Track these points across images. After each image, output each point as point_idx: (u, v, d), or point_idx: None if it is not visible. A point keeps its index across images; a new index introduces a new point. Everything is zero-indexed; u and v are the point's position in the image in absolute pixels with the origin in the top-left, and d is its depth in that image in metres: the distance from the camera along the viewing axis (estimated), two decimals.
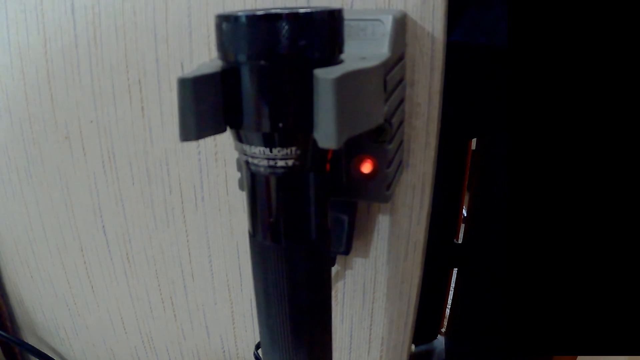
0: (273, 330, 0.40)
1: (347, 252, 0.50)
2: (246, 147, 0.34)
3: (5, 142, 0.64)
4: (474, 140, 0.98)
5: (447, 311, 1.28)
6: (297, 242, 0.37)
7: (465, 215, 1.13)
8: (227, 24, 0.31)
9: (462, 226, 1.13)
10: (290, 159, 0.33)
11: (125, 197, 0.60)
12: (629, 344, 0.46)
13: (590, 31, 0.38)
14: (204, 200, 0.56)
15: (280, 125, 0.32)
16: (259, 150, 0.33)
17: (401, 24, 0.41)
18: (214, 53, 0.49)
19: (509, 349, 0.46)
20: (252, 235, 0.38)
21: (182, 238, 0.60)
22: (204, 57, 0.49)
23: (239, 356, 0.66)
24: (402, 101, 0.44)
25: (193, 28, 0.49)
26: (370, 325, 0.56)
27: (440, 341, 1.34)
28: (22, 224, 0.70)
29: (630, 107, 0.38)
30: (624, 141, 0.40)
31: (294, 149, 0.33)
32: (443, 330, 1.33)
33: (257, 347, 0.60)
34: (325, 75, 0.28)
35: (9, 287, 0.79)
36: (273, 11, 0.30)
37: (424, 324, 1.29)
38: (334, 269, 0.54)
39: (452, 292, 1.23)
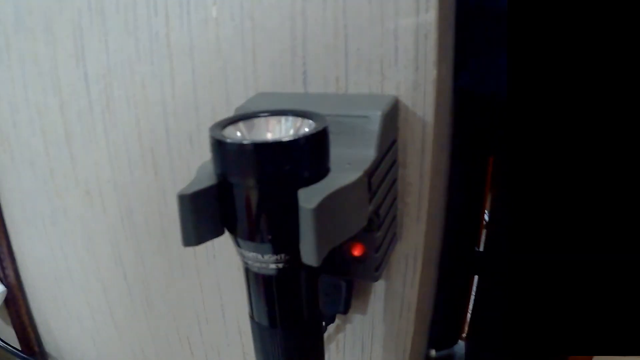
0: None
1: (345, 312, 0.54)
2: (242, 250, 0.37)
3: (30, 191, 0.69)
4: None
5: (468, 316, 1.30)
6: (291, 326, 0.40)
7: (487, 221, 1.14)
8: (218, 147, 0.34)
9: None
10: (280, 262, 0.36)
11: (144, 249, 0.64)
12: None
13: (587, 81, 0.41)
14: (216, 258, 0.60)
15: (269, 237, 0.35)
16: (252, 255, 0.37)
17: (392, 113, 0.44)
18: None
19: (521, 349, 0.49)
20: (252, 317, 0.41)
21: (196, 289, 0.64)
22: None
23: None
24: (394, 181, 0.47)
25: (199, 104, 0.52)
26: None
27: (460, 346, 1.36)
28: (48, 265, 0.74)
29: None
30: (622, 143, 0.42)
31: (283, 255, 0.36)
32: (464, 335, 1.35)
33: None
34: (305, 204, 0.31)
35: (38, 318, 0.84)
36: (259, 139, 0.33)
37: (445, 329, 1.32)
38: (333, 325, 0.57)
39: (473, 298, 1.24)
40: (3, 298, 0.82)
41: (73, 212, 0.67)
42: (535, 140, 0.44)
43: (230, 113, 0.49)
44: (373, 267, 0.44)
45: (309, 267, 0.36)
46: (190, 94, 0.52)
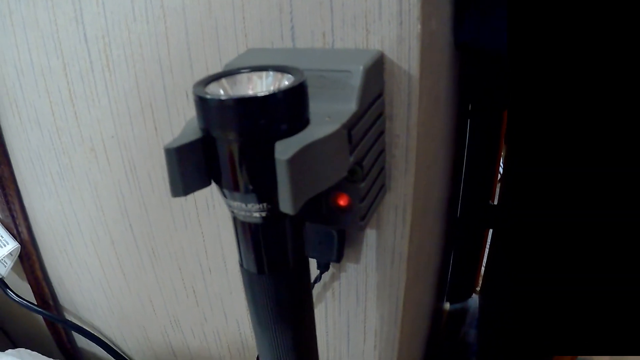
0: (265, 337, 0.45)
1: (338, 260, 0.56)
2: (228, 200, 0.39)
3: (39, 150, 0.71)
4: None
5: (482, 270, 1.31)
6: (278, 272, 0.42)
7: (501, 175, 1.15)
8: (200, 103, 0.36)
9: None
10: (264, 211, 0.38)
11: (148, 202, 0.66)
12: (629, 344, 0.50)
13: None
14: (215, 208, 0.62)
15: (251, 187, 0.37)
16: (236, 204, 0.38)
17: (376, 67, 0.45)
18: None
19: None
20: (241, 265, 0.43)
21: (198, 239, 0.66)
22: None
23: (253, 337, 0.73)
24: (381, 133, 0.48)
25: (193, 61, 0.54)
26: (364, 319, 0.61)
27: (474, 300, 1.38)
28: (58, 220, 0.77)
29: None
30: (624, 144, 0.43)
31: (265, 204, 0.38)
32: (478, 289, 1.37)
33: None
34: (280, 155, 0.32)
35: (51, 272, 0.88)
36: (238, 95, 0.34)
37: (459, 283, 1.34)
38: (328, 273, 0.59)
39: (487, 252, 1.26)
40: (17, 254, 0.85)
41: (80, 169, 0.69)
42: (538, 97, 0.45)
43: (222, 69, 0.51)
44: (358, 216, 0.46)
45: (291, 215, 0.38)
46: (185, 52, 0.54)
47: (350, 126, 0.40)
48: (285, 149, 0.33)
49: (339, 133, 0.37)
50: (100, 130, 0.64)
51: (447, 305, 1.37)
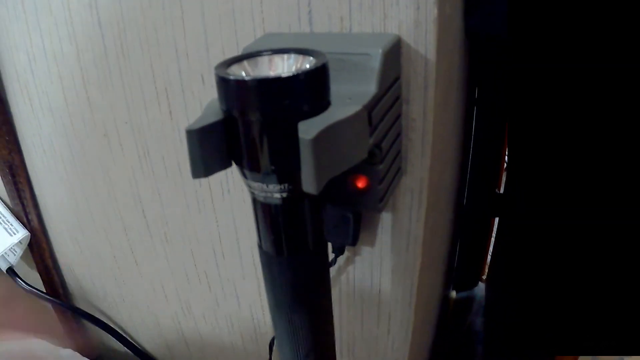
0: (281, 320, 0.46)
1: (354, 243, 0.56)
2: (248, 181, 0.39)
3: (50, 137, 0.71)
4: None
5: (488, 259, 1.32)
6: (297, 254, 0.42)
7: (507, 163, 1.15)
8: (223, 84, 0.36)
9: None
10: (284, 192, 0.39)
11: (161, 187, 0.67)
12: (630, 344, 0.50)
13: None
14: (230, 192, 0.62)
15: (273, 168, 0.37)
16: (257, 185, 0.39)
17: (394, 51, 0.45)
18: None
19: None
20: (260, 247, 0.43)
21: (212, 223, 0.66)
22: None
23: (266, 323, 0.73)
24: (398, 117, 0.48)
25: (209, 44, 0.54)
26: (379, 303, 0.62)
27: (480, 288, 1.38)
28: (70, 207, 0.78)
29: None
30: (623, 142, 0.44)
31: (286, 185, 0.38)
32: (484, 277, 1.37)
33: None
34: (304, 135, 0.32)
35: (60, 259, 0.88)
36: (260, 76, 0.34)
37: (465, 272, 1.34)
38: (343, 257, 0.59)
39: (493, 241, 1.26)
40: (27, 242, 0.85)
41: (92, 155, 0.69)
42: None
43: (239, 52, 0.51)
44: (377, 198, 0.46)
45: (312, 196, 0.38)
46: (201, 36, 0.54)
47: (370, 108, 0.40)
48: (309, 129, 0.33)
49: (360, 114, 0.38)
50: (113, 116, 0.64)
51: (453, 294, 1.38)
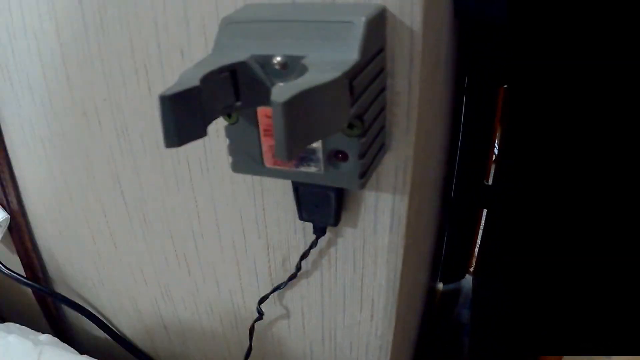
0: None
1: (335, 223, 0.55)
2: None
3: (30, 116, 0.70)
4: None
5: (476, 251, 1.31)
6: None
7: (496, 155, 1.15)
8: None
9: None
10: None
11: (140, 166, 0.65)
12: (617, 344, 0.49)
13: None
14: (209, 171, 0.61)
15: None
16: None
17: (378, 21, 0.44)
18: (210, 42, 0.52)
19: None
20: None
21: (191, 203, 0.65)
22: (201, 45, 0.53)
23: (246, 308, 0.72)
24: (382, 90, 0.47)
25: (189, 18, 0.52)
26: (361, 287, 0.61)
27: (467, 280, 1.38)
28: (49, 188, 0.76)
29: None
30: (615, 136, 0.43)
31: None
32: (471, 270, 1.37)
33: (261, 301, 0.65)
34: (276, 98, 0.31)
35: (40, 242, 0.87)
36: None
37: (453, 264, 1.34)
38: (325, 238, 0.58)
39: (481, 233, 1.26)
40: (7, 225, 0.84)
41: (71, 134, 0.68)
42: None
43: (218, 24, 0.50)
44: (357, 173, 0.45)
45: None
46: (180, 9, 0.52)
47: (352, 76, 0.39)
48: (282, 92, 0.32)
49: (339, 81, 0.36)
50: (92, 93, 0.62)
51: (440, 286, 1.37)
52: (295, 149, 0.33)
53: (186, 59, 0.54)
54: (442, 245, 1.25)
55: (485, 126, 1.05)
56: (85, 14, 0.58)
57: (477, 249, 1.31)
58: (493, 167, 1.16)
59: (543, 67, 0.44)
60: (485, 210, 1.21)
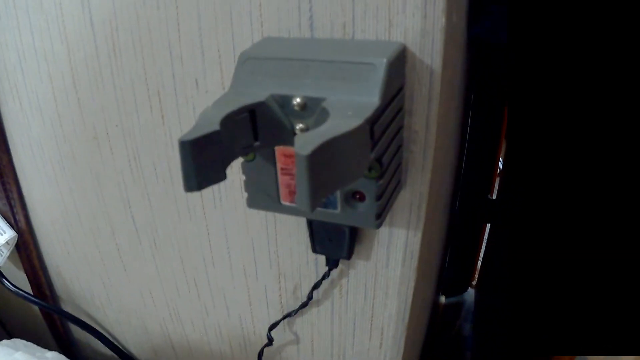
0: None
1: (348, 257, 0.54)
2: None
3: (39, 138, 0.69)
4: None
5: (479, 264, 1.31)
6: None
7: (501, 169, 1.14)
8: None
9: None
10: None
11: (151, 192, 0.65)
12: (629, 343, 0.49)
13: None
14: (222, 200, 0.60)
15: None
16: None
17: (398, 61, 0.43)
18: (225, 72, 0.52)
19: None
20: None
21: (202, 231, 0.65)
22: (216, 75, 0.52)
23: (255, 333, 0.71)
24: (400, 129, 0.46)
25: (204, 48, 0.52)
26: (372, 317, 0.60)
27: (470, 294, 1.37)
28: (58, 209, 0.76)
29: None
30: (617, 149, 0.43)
31: None
32: (474, 283, 1.36)
33: (271, 328, 0.65)
34: (300, 150, 0.31)
35: (48, 261, 0.86)
36: None
37: (455, 277, 1.33)
38: (337, 270, 0.58)
39: (484, 246, 1.25)
40: (14, 243, 0.83)
41: (81, 157, 0.67)
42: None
43: (235, 57, 0.49)
44: (374, 214, 0.44)
45: None
46: (197, 39, 0.52)
47: (372, 121, 0.38)
48: (305, 144, 0.31)
49: (362, 128, 0.36)
50: (104, 118, 0.62)
51: (442, 299, 1.37)
52: (317, 199, 0.32)
53: (201, 89, 0.54)
54: (445, 259, 1.25)
55: (490, 141, 1.05)
56: (97, 37, 0.58)
57: (480, 263, 1.31)
58: (497, 181, 1.16)
59: (545, 83, 0.44)
60: (488, 225, 1.21)
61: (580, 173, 0.45)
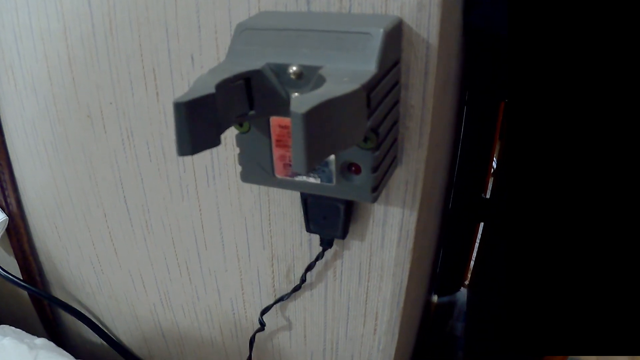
0: None
1: (343, 236, 0.54)
2: None
3: (33, 118, 0.69)
4: None
5: (471, 264, 1.31)
6: None
7: (494, 169, 1.15)
8: None
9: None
10: None
11: (144, 172, 0.64)
12: (621, 343, 0.48)
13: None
14: (215, 179, 0.60)
15: None
16: None
17: (395, 33, 0.43)
18: (221, 48, 0.51)
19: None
20: None
21: (195, 211, 0.64)
22: (212, 52, 0.52)
23: (247, 318, 0.71)
24: (396, 103, 0.46)
25: (201, 24, 0.52)
26: (366, 301, 0.60)
27: (462, 293, 1.38)
28: (50, 191, 0.75)
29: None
30: (623, 141, 0.42)
31: None
32: (466, 282, 1.37)
33: (263, 312, 0.65)
34: (296, 109, 0.30)
35: (38, 245, 0.85)
36: None
37: (448, 276, 1.33)
38: (331, 250, 0.57)
39: (477, 246, 1.25)
40: (5, 227, 0.83)
41: (75, 139, 0.67)
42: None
43: (232, 33, 0.49)
44: (370, 187, 0.44)
45: None
46: (193, 15, 0.52)
47: (369, 88, 0.38)
48: (301, 104, 0.31)
49: (358, 93, 0.36)
50: (98, 96, 0.62)
51: (435, 298, 1.37)
52: (313, 161, 0.32)
53: (196, 65, 0.54)
54: (438, 258, 1.25)
55: (484, 140, 1.05)
56: (94, 16, 0.57)
57: (472, 262, 1.31)
58: (491, 180, 1.16)
59: (543, 81, 0.44)
60: (482, 224, 1.21)
61: (576, 173, 0.45)
